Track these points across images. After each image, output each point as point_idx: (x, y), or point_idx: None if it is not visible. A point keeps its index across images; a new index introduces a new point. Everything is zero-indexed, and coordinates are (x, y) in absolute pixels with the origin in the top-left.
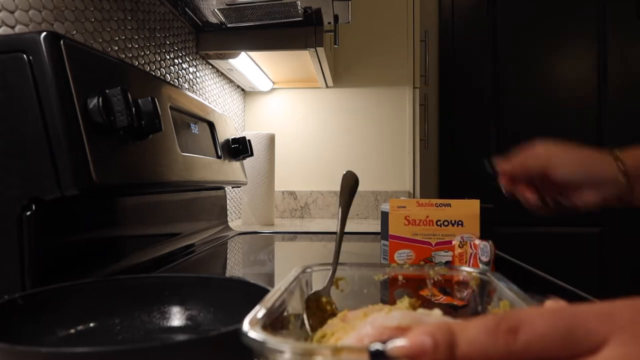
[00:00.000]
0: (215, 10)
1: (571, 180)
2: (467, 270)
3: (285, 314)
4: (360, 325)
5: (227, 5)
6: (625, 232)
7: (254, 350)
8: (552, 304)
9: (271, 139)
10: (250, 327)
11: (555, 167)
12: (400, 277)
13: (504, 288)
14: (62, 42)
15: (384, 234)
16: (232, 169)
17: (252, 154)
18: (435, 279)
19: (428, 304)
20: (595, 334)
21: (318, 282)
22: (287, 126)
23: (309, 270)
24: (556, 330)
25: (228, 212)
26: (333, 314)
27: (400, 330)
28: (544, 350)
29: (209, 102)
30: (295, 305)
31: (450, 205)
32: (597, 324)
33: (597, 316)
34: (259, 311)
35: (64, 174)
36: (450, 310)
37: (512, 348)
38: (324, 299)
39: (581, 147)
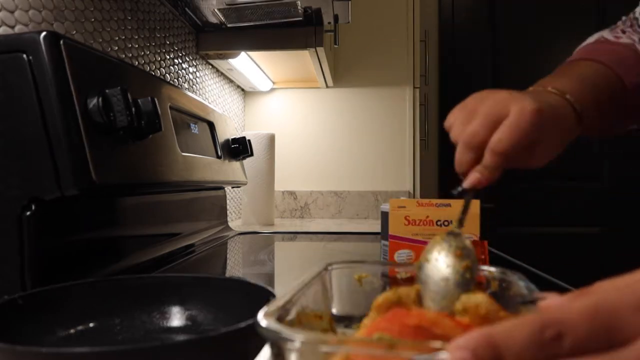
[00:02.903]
0: (215, 10)
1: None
2: (488, 269)
3: (301, 310)
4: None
5: (227, 5)
6: (625, 232)
7: (268, 340)
8: (558, 298)
9: (271, 139)
10: (265, 318)
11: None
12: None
13: (523, 289)
14: (62, 42)
15: (384, 234)
16: (232, 169)
17: (252, 154)
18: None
19: None
20: (630, 325)
21: (342, 280)
22: (287, 126)
23: (330, 268)
24: (597, 332)
25: (228, 212)
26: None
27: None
28: (587, 351)
29: (209, 102)
30: (317, 303)
31: (450, 205)
32: (633, 315)
33: (634, 308)
34: (275, 304)
35: (64, 174)
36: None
37: (559, 357)
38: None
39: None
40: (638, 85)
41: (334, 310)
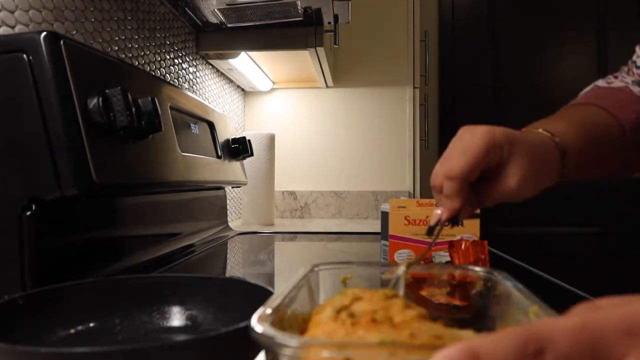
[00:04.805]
0: (215, 10)
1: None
2: (473, 269)
3: (289, 313)
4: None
5: (227, 5)
6: (625, 232)
7: (263, 346)
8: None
9: (271, 139)
10: (259, 323)
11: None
12: (408, 277)
13: (510, 288)
14: (62, 42)
15: (384, 234)
16: (232, 169)
17: (252, 154)
18: (442, 279)
19: (428, 304)
20: (616, 349)
21: (327, 282)
22: (287, 126)
23: (317, 269)
24: (580, 351)
25: (228, 212)
26: None
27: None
28: None
29: (209, 102)
30: (304, 305)
31: None
32: (619, 339)
33: (619, 332)
34: (268, 307)
35: (64, 174)
36: (451, 310)
37: None
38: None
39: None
40: (635, 124)
41: None
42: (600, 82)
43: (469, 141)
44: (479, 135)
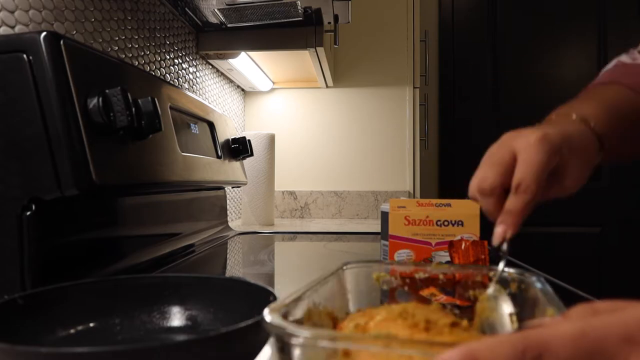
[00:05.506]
0: (215, 10)
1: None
2: (508, 271)
3: (310, 307)
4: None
5: (227, 5)
6: (625, 232)
7: (273, 337)
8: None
9: (271, 139)
10: (271, 314)
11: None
12: (441, 276)
13: (538, 291)
14: (62, 42)
15: (384, 234)
16: (232, 169)
17: (252, 154)
18: (442, 279)
19: (428, 304)
20: (615, 357)
21: (359, 279)
22: (287, 126)
23: (346, 267)
24: (579, 358)
25: (228, 212)
26: None
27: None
28: None
29: (209, 102)
30: (333, 301)
31: (450, 205)
32: (618, 347)
33: (619, 340)
34: (284, 299)
35: (64, 174)
36: (452, 310)
37: None
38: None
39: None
40: None
41: (352, 309)
42: (624, 58)
43: (528, 151)
44: (534, 143)
